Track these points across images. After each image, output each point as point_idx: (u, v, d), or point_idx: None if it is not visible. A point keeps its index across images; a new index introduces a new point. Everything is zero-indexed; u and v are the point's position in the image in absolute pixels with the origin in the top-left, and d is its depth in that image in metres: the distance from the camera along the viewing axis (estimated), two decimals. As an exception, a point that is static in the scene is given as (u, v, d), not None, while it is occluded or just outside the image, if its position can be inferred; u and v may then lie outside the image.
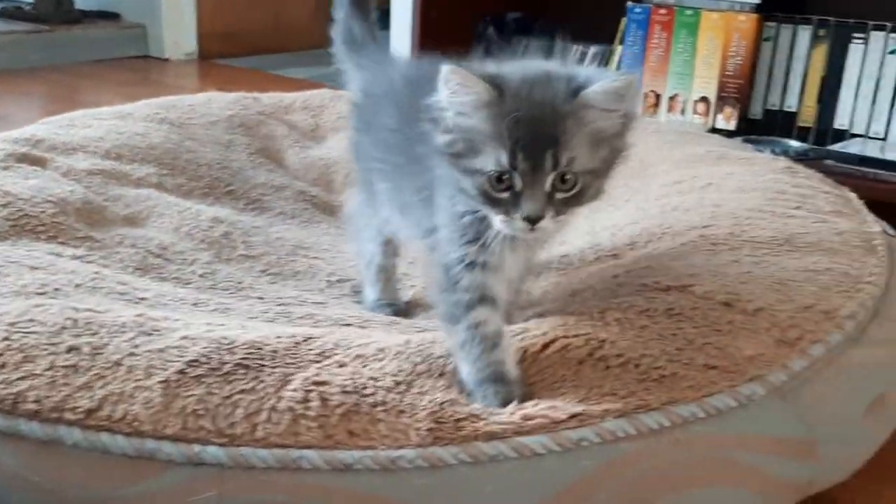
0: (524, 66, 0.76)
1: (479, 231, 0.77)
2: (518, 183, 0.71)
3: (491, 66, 0.75)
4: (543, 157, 0.71)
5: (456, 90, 0.72)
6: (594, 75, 0.73)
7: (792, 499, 0.78)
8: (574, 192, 0.73)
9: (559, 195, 0.73)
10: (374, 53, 1.06)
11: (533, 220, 0.72)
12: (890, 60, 1.79)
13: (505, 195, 0.72)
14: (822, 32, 1.86)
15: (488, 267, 0.79)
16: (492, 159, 0.72)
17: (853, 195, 1.26)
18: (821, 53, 1.87)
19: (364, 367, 0.74)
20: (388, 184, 0.96)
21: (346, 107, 1.15)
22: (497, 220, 0.74)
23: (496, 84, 0.71)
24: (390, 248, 1.08)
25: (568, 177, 0.72)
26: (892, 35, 1.78)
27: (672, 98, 2.04)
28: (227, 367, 0.74)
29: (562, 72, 0.75)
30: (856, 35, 1.82)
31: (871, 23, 1.80)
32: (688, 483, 0.70)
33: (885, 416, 0.86)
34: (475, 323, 0.77)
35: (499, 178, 0.72)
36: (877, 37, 1.79)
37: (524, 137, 0.71)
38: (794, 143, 1.86)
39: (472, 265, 0.78)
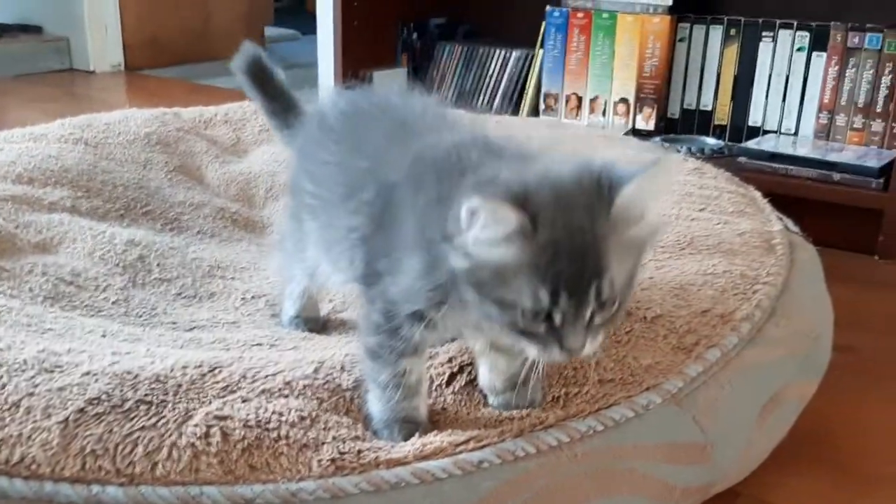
0: (551, 171, 0.65)
1: (447, 293, 0.69)
2: (559, 319, 0.64)
3: (513, 177, 0.64)
4: (587, 290, 0.63)
5: (486, 224, 0.62)
6: (624, 173, 0.63)
7: (693, 502, 0.81)
8: (612, 313, 0.66)
9: (597, 320, 0.65)
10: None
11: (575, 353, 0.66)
12: (798, 58, 1.85)
13: (541, 329, 0.65)
14: (732, 32, 1.91)
15: (437, 326, 0.73)
16: (527, 295, 0.63)
17: (758, 194, 1.30)
18: (732, 53, 1.92)
19: (269, 402, 0.74)
20: (317, 223, 0.89)
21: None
22: (531, 351, 0.67)
23: (529, 210, 0.61)
24: (316, 281, 1.01)
25: (606, 300, 0.64)
26: (800, 33, 1.84)
27: (593, 100, 2.08)
28: (128, 404, 0.73)
29: (590, 175, 0.64)
30: (765, 34, 1.87)
31: (779, 21, 1.86)
32: (587, 495, 0.72)
33: (781, 412, 0.89)
34: (401, 372, 0.75)
35: (535, 314, 0.64)
36: (784, 35, 1.85)
37: (565, 271, 0.62)
38: (711, 141, 1.92)
39: (422, 320, 0.72)
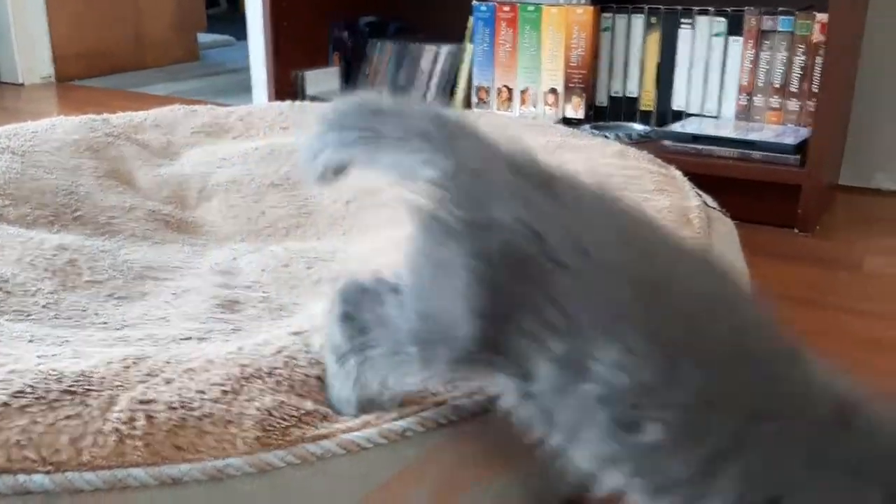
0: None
1: None
2: None
3: None
4: None
5: None
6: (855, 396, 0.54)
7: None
8: None
9: None
10: None
11: None
12: (716, 43, 1.91)
13: None
14: (653, 20, 1.96)
15: None
16: None
17: (678, 173, 1.34)
18: (654, 40, 1.97)
19: (191, 380, 0.75)
20: None
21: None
22: None
23: None
24: None
25: None
26: (716, 19, 1.90)
27: (523, 91, 2.11)
28: (52, 395, 0.74)
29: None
30: (683, 20, 1.93)
31: (696, 8, 1.91)
32: (508, 461, 0.75)
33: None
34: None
35: None
36: (702, 21, 1.91)
37: None
38: (638, 127, 1.97)
39: None
